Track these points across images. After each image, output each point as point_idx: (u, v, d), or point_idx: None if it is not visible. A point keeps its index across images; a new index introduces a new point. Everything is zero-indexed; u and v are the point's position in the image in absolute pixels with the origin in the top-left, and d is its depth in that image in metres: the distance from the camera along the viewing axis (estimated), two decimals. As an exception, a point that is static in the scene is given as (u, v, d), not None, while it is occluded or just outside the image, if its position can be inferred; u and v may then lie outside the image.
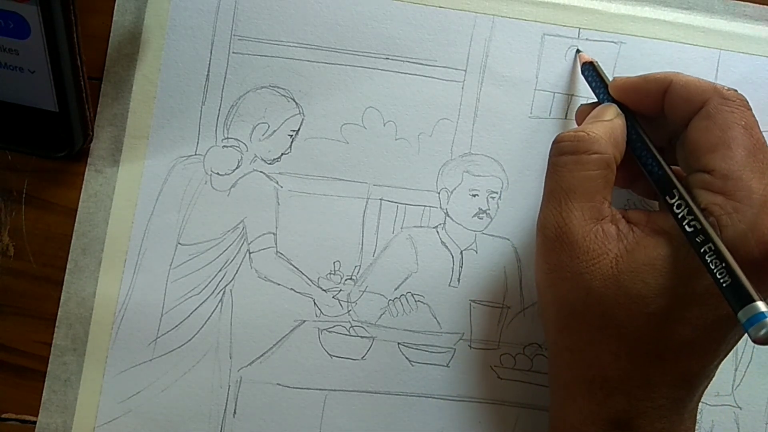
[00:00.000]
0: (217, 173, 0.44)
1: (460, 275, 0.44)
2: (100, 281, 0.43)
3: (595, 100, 0.43)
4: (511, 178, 0.45)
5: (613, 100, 0.41)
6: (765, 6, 0.47)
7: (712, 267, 0.33)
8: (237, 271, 0.44)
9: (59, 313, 0.42)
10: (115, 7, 0.44)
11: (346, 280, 0.44)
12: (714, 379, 0.38)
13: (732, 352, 0.39)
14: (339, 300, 0.44)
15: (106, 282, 0.43)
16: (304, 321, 0.44)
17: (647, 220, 0.37)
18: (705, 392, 0.38)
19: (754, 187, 0.35)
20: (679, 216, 0.35)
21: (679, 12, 0.46)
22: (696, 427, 0.39)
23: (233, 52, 0.44)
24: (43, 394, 0.42)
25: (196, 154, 0.44)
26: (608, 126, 0.39)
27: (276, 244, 0.44)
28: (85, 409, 0.42)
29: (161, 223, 0.43)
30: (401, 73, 0.45)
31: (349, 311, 0.44)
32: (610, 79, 0.42)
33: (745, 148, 0.36)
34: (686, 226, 0.35)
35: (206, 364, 0.43)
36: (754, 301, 0.32)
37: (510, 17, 0.45)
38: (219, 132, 0.44)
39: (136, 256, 0.43)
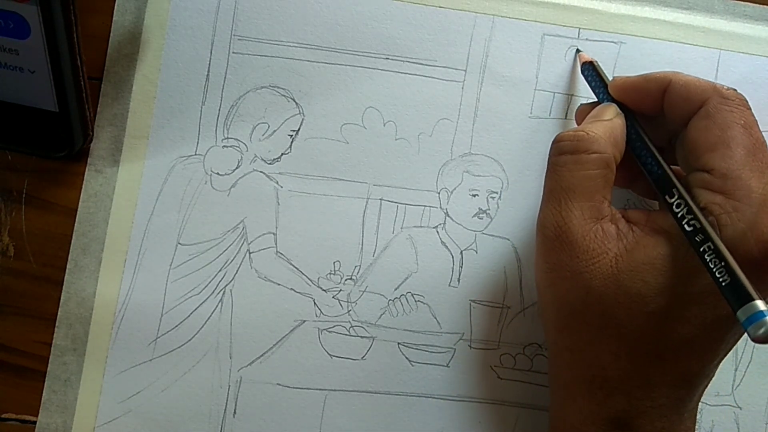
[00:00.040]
0: (217, 173, 0.44)
1: (460, 275, 0.44)
2: (100, 281, 0.43)
3: (595, 99, 0.43)
4: (511, 178, 0.45)
5: (613, 100, 0.41)
6: (765, 6, 0.47)
7: (712, 266, 0.33)
8: (237, 271, 0.44)
9: (59, 313, 0.42)
10: (115, 7, 0.44)
11: (346, 280, 0.44)
12: (714, 379, 0.38)
13: (732, 352, 0.39)
14: (339, 300, 0.44)
15: (106, 282, 0.43)
16: (304, 321, 0.44)
17: (647, 219, 0.37)
18: (705, 392, 0.38)
19: (754, 186, 0.35)
20: (679, 215, 0.35)
21: (679, 12, 0.46)
22: (696, 427, 0.38)
23: (233, 52, 0.44)
24: (43, 394, 0.42)
25: (196, 154, 0.44)
26: (608, 125, 0.39)
27: (276, 244, 0.44)
28: (85, 409, 0.42)
29: (161, 223, 0.43)
30: (401, 73, 0.45)
31: (349, 311, 0.44)
32: (610, 78, 0.42)
33: (745, 148, 0.36)
34: (685, 226, 0.35)
35: (206, 364, 0.43)
36: (753, 299, 0.32)
37: (510, 17, 0.45)
38: (219, 132, 0.44)
39: (136, 256, 0.43)
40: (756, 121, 0.37)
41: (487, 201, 0.45)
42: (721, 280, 0.33)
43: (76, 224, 0.43)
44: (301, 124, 0.44)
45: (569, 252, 0.37)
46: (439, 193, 0.45)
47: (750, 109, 0.37)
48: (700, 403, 0.39)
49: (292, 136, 0.44)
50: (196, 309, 0.43)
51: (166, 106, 0.44)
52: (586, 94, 0.45)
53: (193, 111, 0.44)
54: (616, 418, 0.36)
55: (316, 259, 0.44)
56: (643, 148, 0.39)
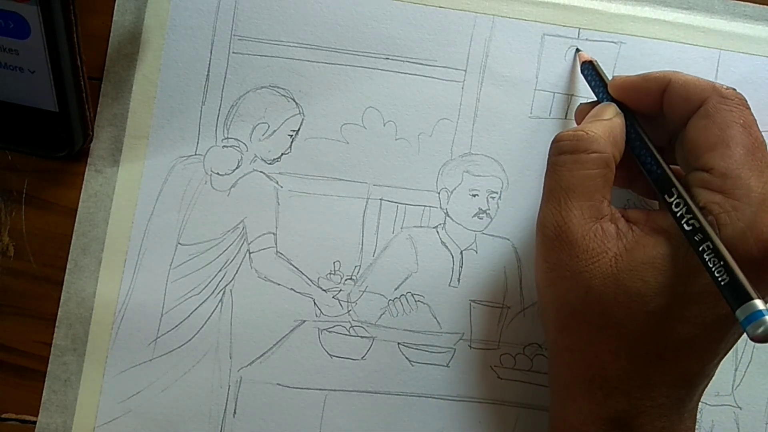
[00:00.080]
0: (217, 173, 0.44)
1: (460, 275, 0.44)
2: (100, 281, 0.43)
3: (595, 99, 0.43)
4: (511, 178, 0.45)
5: (613, 99, 0.41)
6: (765, 6, 0.46)
7: (711, 265, 0.33)
8: (237, 271, 0.44)
9: (59, 313, 0.42)
10: (115, 7, 0.44)
11: (346, 280, 0.44)
12: (714, 379, 0.38)
13: (732, 351, 0.39)
14: (339, 300, 0.44)
15: (106, 282, 0.43)
16: (304, 321, 0.44)
17: (646, 219, 0.37)
18: (705, 392, 0.38)
19: (753, 185, 0.35)
20: (678, 215, 0.35)
21: (679, 12, 0.46)
22: (696, 427, 0.38)
23: (233, 52, 0.44)
24: (43, 394, 0.42)
25: (196, 154, 0.44)
26: (607, 125, 0.39)
27: (276, 244, 0.44)
28: (85, 409, 0.42)
29: (161, 223, 0.43)
30: (401, 73, 0.45)
31: (349, 311, 0.44)
32: (610, 78, 0.42)
33: (744, 147, 0.36)
34: (685, 225, 0.35)
35: (206, 364, 0.43)
36: (752, 299, 0.32)
37: (510, 17, 0.45)
38: (219, 132, 0.44)
39: (136, 256, 0.43)
40: (755, 120, 0.37)
41: (487, 201, 0.45)
42: (720, 279, 0.33)
43: (76, 224, 0.43)
44: (301, 124, 0.44)
45: (569, 251, 0.37)
46: (439, 193, 0.45)
47: (749, 108, 0.37)
48: (700, 403, 0.39)
49: (292, 136, 0.44)
50: (196, 309, 0.43)
51: (166, 106, 0.44)
52: (585, 93, 0.45)
53: (193, 111, 0.44)
54: (616, 418, 0.36)
55: (316, 259, 0.44)
56: (643, 148, 0.39)
